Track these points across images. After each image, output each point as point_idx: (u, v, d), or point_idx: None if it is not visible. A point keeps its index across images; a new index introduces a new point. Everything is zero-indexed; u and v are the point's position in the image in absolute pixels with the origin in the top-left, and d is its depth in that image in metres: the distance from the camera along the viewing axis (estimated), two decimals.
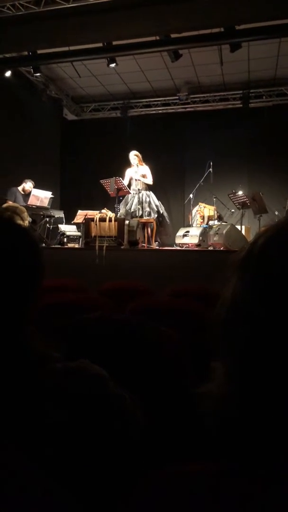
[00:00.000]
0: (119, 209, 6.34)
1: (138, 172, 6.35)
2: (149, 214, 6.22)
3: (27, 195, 6.62)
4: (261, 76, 7.97)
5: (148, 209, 6.22)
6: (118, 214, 6.18)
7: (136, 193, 6.27)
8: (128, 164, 6.54)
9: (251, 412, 0.45)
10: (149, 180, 6.40)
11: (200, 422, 0.52)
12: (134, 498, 0.48)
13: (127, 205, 6.30)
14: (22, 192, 6.65)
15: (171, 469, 0.49)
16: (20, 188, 6.66)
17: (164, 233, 6.44)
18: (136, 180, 6.34)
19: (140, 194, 6.25)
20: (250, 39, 6.04)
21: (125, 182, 6.29)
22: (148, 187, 6.44)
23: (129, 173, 6.42)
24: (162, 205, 6.50)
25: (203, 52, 6.83)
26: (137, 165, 6.40)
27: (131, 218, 5.87)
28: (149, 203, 6.27)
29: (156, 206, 6.35)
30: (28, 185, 6.64)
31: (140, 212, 6.16)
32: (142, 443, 0.69)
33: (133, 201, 6.25)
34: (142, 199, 6.24)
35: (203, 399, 0.50)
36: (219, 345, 0.49)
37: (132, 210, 6.19)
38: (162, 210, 6.44)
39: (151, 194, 6.39)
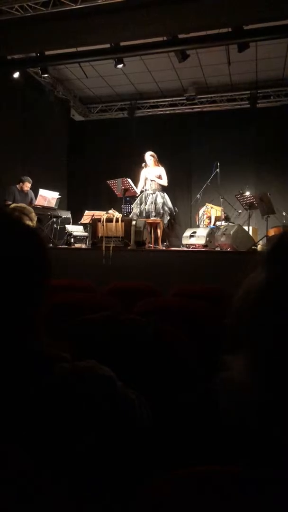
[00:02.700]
0: (126, 210, 6.33)
1: (151, 172, 6.34)
2: (162, 216, 6.21)
3: (25, 194, 6.51)
4: (269, 76, 7.93)
5: (161, 210, 6.21)
6: (131, 214, 6.19)
7: (150, 194, 6.27)
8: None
9: (274, 401, 0.45)
10: (164, 182, 6.39)
11: (209, 422, 0.52)
12: (141, 499, 0.48)
13: (141, 205, 6.29)
14: (20, 190, 6.49)
15: (179, 471, 0.49)
16: (18, 186, 6.50)
17: (175, 235, 6.43)
18: (151, 180, 6.33)
19: (155, 195, 6.25)
20: (258, 39, 6.02)
21: (141, 182, 6.29)
22: (163, 189, 6.43)
23: (144, 173, 6.41)
24: (175, 208, 6.52)
25: (210, 52, 6.81)
26: (144, 166, 6.40)
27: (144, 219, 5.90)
28: (163, 204, 6.27)
29: (169, 208, 6.35)
30: (26, 184, 6.45)
31: (154, 213, 6.17)
32: (150, 443, 0.69)
33: (147, 202, 6.25)
34: (156, 200, 6.24)
35: (224, 386, 0.50)
36: (240, 335, 0.49)
37: (146, 210, 6.19)
38: (175, 212, 6.45)
39: (166, 195, 6.39)
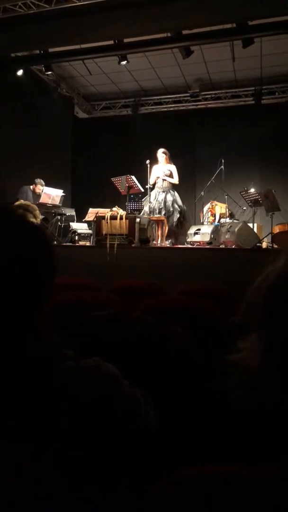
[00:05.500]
0: (131, 207, 6.32)
1: (162, 170, 6.31)
2: (172, 214, 6.19)
3: (37, 195, 6.61)
4: (274, 72, 7.88)
5: (171, 208, 6.19)
6: (142, 212, 6.17)
7: (161, 192, 6.24)
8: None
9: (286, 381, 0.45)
10: (175, 180, 6.33)
11: (214, 422, 0.51)
12: (146, 499, 0.48)
13: (151, 202, 6.25)
14: (33, 191, 6.63)
15: (185, 471, 0.49)
16: (31, 187, 6.64)
17: (184, 233, 6.39)
18: (162, 179, 6.29)
19: (164, 193, 6.23)
20: (263, 34, 5.97)
21: (152, 179, 6.25)
22: (174, 187, 6.40)
23: (155, 170, 6.36)
24: (184, 206, 6.49)
25: (214, 48, 6.78)
26: (149, 163, 6.37)
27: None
28: (173, 202, 6.25)
29: (180, 206, 6.32)
30: (38, 187, 6.59)
31: (164, 211, 6.15)
32: (155, 442, 0.69)
33: (157, 199, 6.23)
34: (166, 198, 6.21)
35: (234, 369, 0.50)
36: (256, 318, 0.49)
37: (156, 208, 6.17)
38: (184, 211, 6.42)
39: (176, 194, 6.36)
